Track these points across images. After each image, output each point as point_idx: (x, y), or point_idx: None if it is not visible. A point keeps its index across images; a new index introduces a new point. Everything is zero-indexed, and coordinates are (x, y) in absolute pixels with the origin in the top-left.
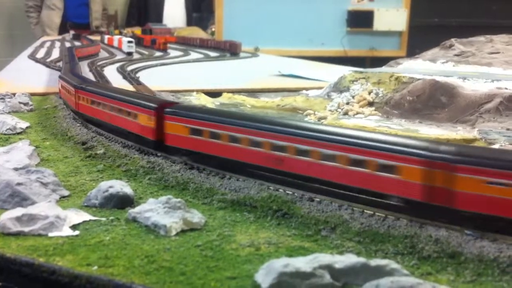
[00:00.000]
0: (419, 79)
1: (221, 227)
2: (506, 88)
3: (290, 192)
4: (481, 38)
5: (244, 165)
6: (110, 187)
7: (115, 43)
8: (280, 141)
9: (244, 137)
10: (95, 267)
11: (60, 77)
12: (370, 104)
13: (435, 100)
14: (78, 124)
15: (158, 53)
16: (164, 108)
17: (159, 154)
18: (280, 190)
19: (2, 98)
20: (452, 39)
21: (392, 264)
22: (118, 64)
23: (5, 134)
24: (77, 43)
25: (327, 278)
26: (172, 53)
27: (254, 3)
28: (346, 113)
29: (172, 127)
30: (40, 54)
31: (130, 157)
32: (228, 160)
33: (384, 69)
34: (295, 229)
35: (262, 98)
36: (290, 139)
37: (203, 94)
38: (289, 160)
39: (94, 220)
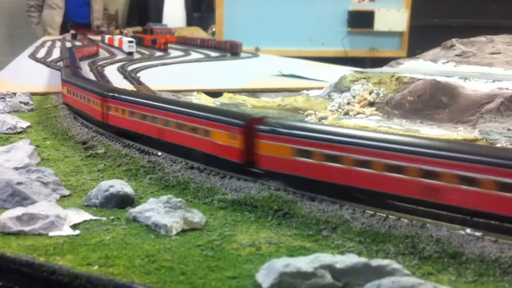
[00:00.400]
0: (420, 79)
1: (221, 227)
2: (507, 88)
3: (291, 192)
4: (482, 39)
5: (377, 195)
6: (111, 186)
7: (116, 43)
8: (436, 167)
9: (379, 161)
10: (96, 267)
11: (66, 81)
12: (371, 104)
13: (436, 100)
14: (79, 124)
15: (158, 53)
16: (254, 125)
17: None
18: (281, 190)
19: (2, 98)
20: (453, 39)
21: (393, 264)
22: (118, 64)
23: (5, 134)
24: (77, 43)
25: (328, 278)
26: (173, 53)
27: (255, 3)
28: (347, 113)
29: (268, 147)
30: (41, 53)
31: (131, 157)
32: (353, 188)
33: (385, 69)
34: (296, 229)
35: (263, 98)
36: (452, 165)
37: (203, 94)
38: (449, 191)
39: (95, 220)
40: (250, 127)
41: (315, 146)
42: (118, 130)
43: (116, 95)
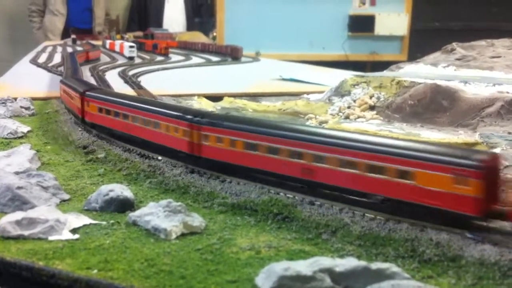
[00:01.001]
0: (420, 83)
1: (221, 230)
2: (507, 92)
3: (291, 196)
4: (483, 42)
5: None
6: (111, 190)
7: (117, 48)
8: None
9: None
10: (95, 271)
11: (100, 98)
12: (372, 108)
13: (436, 104)
14: (79, 129)
15: (159, 58)
16: (495, 165)
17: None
18: (281, 193)
19: (3, 103)
20: (454, 43)
21: (393, 268)
22: (119, 69)
23: (6, 138)
24: (79, 48)
25: (328, 281)
26: (174, 57)
27: (255, 8)
28: (347, 117)
29: None
30: (42, 59)
31: (131, 161)
32: None
33: (385, 73)
34: (295, 233)
35: (264, 102)
36: None
37: (204, 98)
38: None
39: (94, 224)
40: (490, 167)
41: None
42: (218, 164)
43: (218, 121)
